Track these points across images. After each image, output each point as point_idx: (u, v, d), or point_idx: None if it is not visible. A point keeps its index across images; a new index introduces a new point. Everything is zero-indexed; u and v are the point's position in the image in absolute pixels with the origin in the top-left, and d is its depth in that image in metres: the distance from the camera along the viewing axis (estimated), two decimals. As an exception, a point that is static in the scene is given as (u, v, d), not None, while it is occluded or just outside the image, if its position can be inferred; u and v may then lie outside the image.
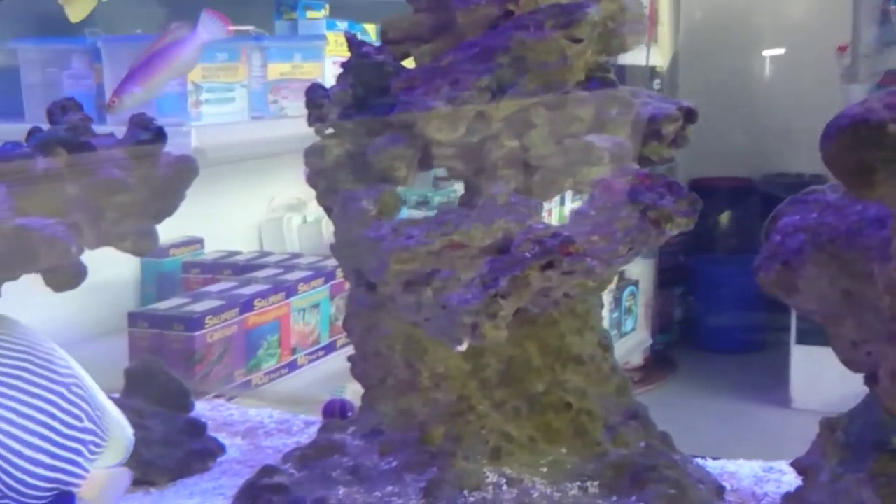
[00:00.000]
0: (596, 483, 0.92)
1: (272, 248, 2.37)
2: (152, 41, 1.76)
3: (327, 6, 2.22)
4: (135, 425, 0.89)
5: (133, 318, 1.78)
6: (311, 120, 1.00)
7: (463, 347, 0.88)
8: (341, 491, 0.93)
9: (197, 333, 1.75)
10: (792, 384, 3.47)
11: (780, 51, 4.29)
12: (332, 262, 2.13)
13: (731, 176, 4.22)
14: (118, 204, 0.98)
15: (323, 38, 2.12)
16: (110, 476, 0.87)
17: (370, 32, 2.26)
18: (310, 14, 2.17)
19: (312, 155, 1.00)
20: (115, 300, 2.02)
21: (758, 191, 4.20)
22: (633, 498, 0.90)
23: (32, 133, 0.99)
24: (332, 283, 2.08)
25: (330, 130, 1.00)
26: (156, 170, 1.00)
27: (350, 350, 2.16)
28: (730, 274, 3.98)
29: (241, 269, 2.07)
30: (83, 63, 1.85)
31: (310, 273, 2.03)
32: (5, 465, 0.85)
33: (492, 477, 0.93)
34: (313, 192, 2.63)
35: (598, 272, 0.86)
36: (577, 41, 0.94)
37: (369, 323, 1.00)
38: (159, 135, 1.01)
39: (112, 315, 1.93)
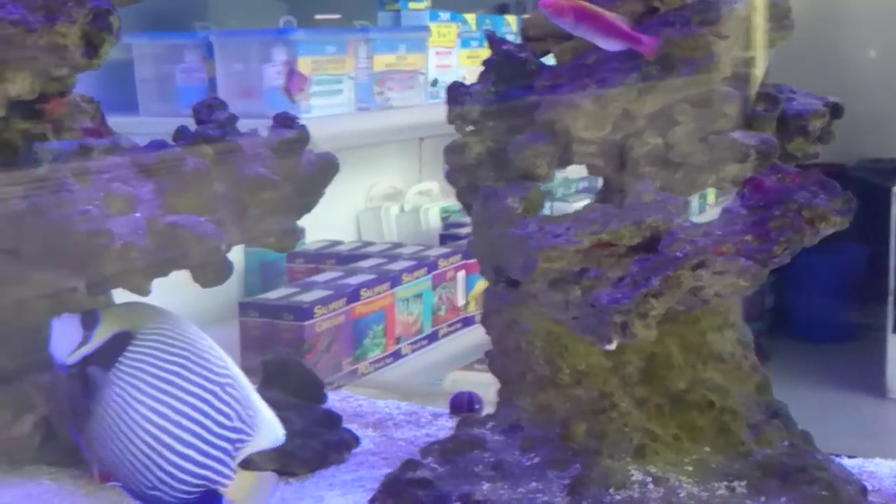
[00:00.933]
0: (743, 483, 0.92)
1: (370, 238, 2.38)
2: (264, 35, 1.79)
3: (429, -4, 2.22)
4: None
5: (243, 307, 1.81)
6: (452, 117, 1.00)
7: (612, 346, 0.88)
8: (485, 486, 0.94)
9: (307, 323, 1.77)
10: (888, 374, 3.41)
11: (875, 33, 4.19)
12: (434, 251, 2.14)
13: (824, 162, 4.13)
14: (263, 201, 1.00)
15: (426, 28, 2.12)
16: (258, 479, 0.88)
17: (470, 22, 2.27)
18: (412, 5, 2.17)
19: (453, 152, 1.00)
20: (221, 289, 2.04)
21: (851, 177, 4.10)
22: (784, 499, 0.89)
23: (180, 132, 1.01)
24: (434, 273, 2.09)
25: (470, 128, 1.01)
26: (299, 167, 1.02)
27: (452, 340, 2.16)
28: (823, 262, 3.89)
29: (344, 258, 2.08)
30: (195, 57, 1.88)
31: (413, 263, 2.04)
32: (158, 459, 0.87)
33: (637, 475, 0.92)
34: (411, 182, 2.62)
35: (752, 272, 0.85)
36: (724, 37, 0.94)
37: (509, 319, 1.01)
38: (303, 133, 1.03)
39: (219, 304, 1.96)
